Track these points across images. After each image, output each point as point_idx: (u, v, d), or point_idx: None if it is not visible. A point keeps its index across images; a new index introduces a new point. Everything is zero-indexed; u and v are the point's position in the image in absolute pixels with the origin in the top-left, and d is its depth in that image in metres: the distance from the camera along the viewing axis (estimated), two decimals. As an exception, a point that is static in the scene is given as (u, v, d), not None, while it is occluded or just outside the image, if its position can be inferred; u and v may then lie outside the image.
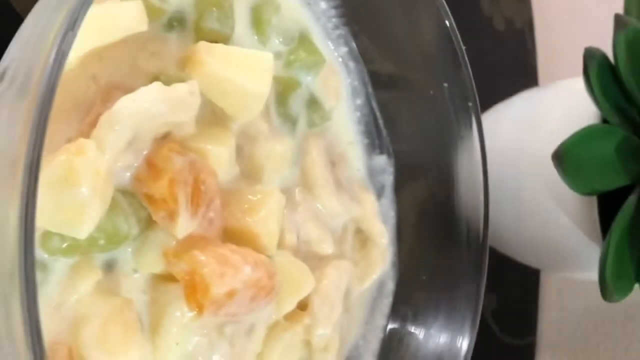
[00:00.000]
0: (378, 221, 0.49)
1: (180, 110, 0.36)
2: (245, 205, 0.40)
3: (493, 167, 0.59)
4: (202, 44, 0.39)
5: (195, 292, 0.37)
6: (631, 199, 0.51)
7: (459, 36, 0.45)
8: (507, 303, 0.70)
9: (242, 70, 0.39)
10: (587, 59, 0.52)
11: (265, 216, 0.40)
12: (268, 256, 0.40)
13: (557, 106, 0.59)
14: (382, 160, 0.50)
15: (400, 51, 0.48)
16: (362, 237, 0.49)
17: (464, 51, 0.46)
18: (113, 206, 0.36)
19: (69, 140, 0.35)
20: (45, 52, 0.30)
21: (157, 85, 0.35)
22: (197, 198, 0.37)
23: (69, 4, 0.30)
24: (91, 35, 0.35)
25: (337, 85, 0.48)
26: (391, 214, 0.50)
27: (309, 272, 0.43)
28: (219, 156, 0.39)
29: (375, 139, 0.50)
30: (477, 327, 0.46)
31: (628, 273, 0.51)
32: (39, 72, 0.29)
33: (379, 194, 0.50)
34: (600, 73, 0.52)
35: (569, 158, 0.50)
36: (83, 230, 0.34)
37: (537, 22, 0.77)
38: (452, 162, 0.48)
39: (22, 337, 0.29)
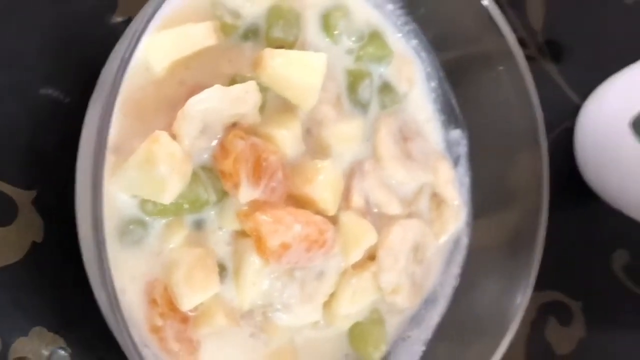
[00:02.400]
0: (450, 186, 0.57)
1: (239, 105, 0.47)
2: (308, 176, 0.50)
3: (604, 131, 0.64)
4: (267, 50, 0.49)
5: (260, 245, 0.48)
6: None
7: (507, 26, 0.52)
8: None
9: (297, 69, 0.49)
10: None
11: (320, 185, 0.49)
12: (329, 216, 0.50)
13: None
14: (457, 134, 0.58)
15: (462, 42, 0.55)
16: (437, 200, 0.57)
17: (515, 39, 0.52)
18: (194, 179, 0.47)
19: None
20: (113, 66, 0.42)
21: (217, 86, 0.46)
22: (258, 172, 0.47)
23: (131, 35, 0.42)
24: (171, 50, 0.47)
25: (410, 73, 0.56)
26: (466, 179, 0.58)
27: (370, 228, 0.52)
28: (283, 138, 0.49)
29: (450, 116, 0.58)
30: (532, 280, 0.53)
31: None
32: (109, 80, 0.41)
33: (456, 162, 0.58)
34: None
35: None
36: (166, 197, 0.45)
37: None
38: (515, 132, 0.55)
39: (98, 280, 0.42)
